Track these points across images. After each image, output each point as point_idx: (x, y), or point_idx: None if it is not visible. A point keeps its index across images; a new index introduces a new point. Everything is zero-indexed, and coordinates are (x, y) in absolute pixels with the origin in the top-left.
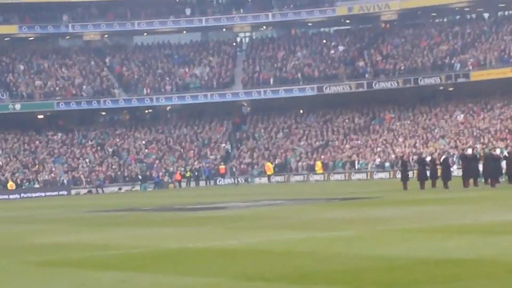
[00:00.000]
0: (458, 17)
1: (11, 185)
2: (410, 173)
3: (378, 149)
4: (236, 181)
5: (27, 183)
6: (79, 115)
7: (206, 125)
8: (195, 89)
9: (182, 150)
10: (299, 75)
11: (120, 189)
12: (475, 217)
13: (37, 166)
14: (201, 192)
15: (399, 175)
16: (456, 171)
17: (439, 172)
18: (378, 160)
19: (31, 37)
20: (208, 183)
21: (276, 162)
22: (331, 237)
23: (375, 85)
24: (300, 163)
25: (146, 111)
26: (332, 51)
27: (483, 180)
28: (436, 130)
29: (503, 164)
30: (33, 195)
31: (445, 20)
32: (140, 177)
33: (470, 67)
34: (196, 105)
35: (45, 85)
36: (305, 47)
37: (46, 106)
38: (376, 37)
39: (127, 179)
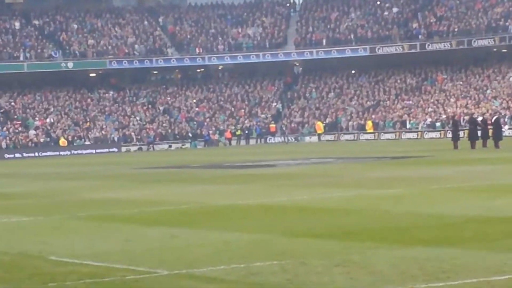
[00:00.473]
0: None
1: (63, 141)
2: (461, 133)
3: (429, 109)
4: (286, 140)
5: (78, 140)
6: (131, 74)
7: (257, 85)
8: (248, 49)
9: (232, 109)
10: (352, 36)
11: (170, 146)
12: None
13: (88, 123)
14: (251, 150)
15: (450, 135)
16: (507, 131)
17: (490, 133)
18: (429, 120)
19: None
20: (258, 142)
21: (327, 121)
22: (380, 195)
23: (428, 46)
24: (350, 123)
25: (198, 70)
26: (386, 13)
27: None
28: (488, 91)
29: None
30: (84, 152)
31: None
32: (190, 135)
33: None
34: (248, 64)
35: (98, 43)
36: (359, 9)
37: (99, 65)
38: None
39: (177, 137)
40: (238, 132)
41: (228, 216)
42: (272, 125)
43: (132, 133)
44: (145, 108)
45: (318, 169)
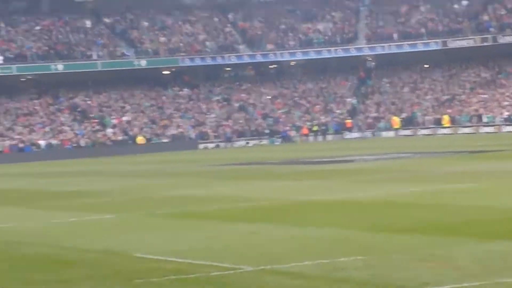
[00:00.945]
0: None
1: (140, 139)
2: None
3: (506, 102)
4: (363, 135)
5: (155, 138)
6: (204, 71)
7: (331, 80)
8: (319, 44)
9: (308, 104)
10: (423, 29)
11: (247, 143)
12: None
13: (164, 121)
14: (328, 146)
15: None
16: None
17: None
18: (506, 114)
19: None
20: (335, 137)
21: (403, 116)
22: (460, 189)
23: (500, 39)
24: (426, 117)
25: (270, 67)
26: (456, 5)
27: None
28: None
29: None
30: (161, 149)
31: None
32: (266, 131)
33: None
34: (320, 60)
35: (169, 41)
36: (428, 2)
37: (171, 62)
38: None
39: (254, 134)
40: (315, 128)
41: (307, 212)
42: (348, 121)
43: (209, 130)
44: (220, 105)
45: (396, 164)
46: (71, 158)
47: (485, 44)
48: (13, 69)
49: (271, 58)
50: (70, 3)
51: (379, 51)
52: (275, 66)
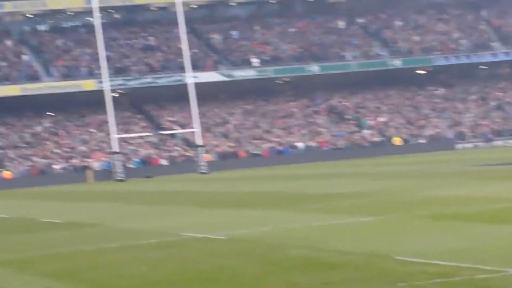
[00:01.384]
0: None
1: (398, 140)
2: None
3: None
4: None
5: (411, 139)
6: (458, 70)
7: None
8: None
9: None
10: None
11: (506, 142)
12: None
13: (421, 121)
14: None
15: None
16: None
17: None
18: None
19: None
20: None
21: None
22: None
23: None
24: None
25: None
26: None
27: None
28: None
29: None
30: (418, 150)
31: None
32: None
33: None
34: None
35: (423, 40)
36: None
37: (425, 62)
38: None
39: None
40: None
41: None
42: None
43: (466, 130)
44: (476, 104)
45: None
46: (328, 160)
47: None
48: (270, 72)
49: None
50: (323, 4)
51: None
52: None
